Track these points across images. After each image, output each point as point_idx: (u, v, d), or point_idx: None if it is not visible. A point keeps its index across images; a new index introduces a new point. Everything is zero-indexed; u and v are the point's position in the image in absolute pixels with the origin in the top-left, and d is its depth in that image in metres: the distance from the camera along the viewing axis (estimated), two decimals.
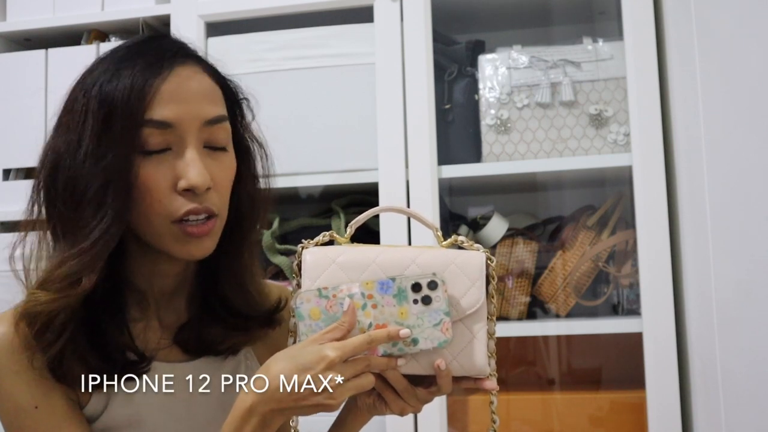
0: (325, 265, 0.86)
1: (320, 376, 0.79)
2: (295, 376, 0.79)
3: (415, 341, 0.83)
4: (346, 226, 1.70)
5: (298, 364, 0.80)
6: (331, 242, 0.91)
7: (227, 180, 0.92)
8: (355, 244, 0.91)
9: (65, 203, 0.87)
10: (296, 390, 0.79)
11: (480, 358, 0.87)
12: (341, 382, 0.80)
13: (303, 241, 0.90)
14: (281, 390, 0.80)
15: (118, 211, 0.85)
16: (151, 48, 0.91)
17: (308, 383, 0.79)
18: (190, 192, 0.87)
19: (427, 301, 0.84)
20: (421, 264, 0.86)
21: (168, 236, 0.88)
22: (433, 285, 0.84)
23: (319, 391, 0.79)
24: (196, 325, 0.98)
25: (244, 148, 0.98)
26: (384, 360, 0.83)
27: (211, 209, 0.89)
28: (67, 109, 0.90)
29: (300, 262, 0.88)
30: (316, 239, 0.90)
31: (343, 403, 0.97)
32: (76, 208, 0.86)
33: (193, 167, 0.86)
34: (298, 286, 0.89)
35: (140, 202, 0.87)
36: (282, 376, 0.80)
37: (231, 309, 0.99)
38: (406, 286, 0.84)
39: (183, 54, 0.92)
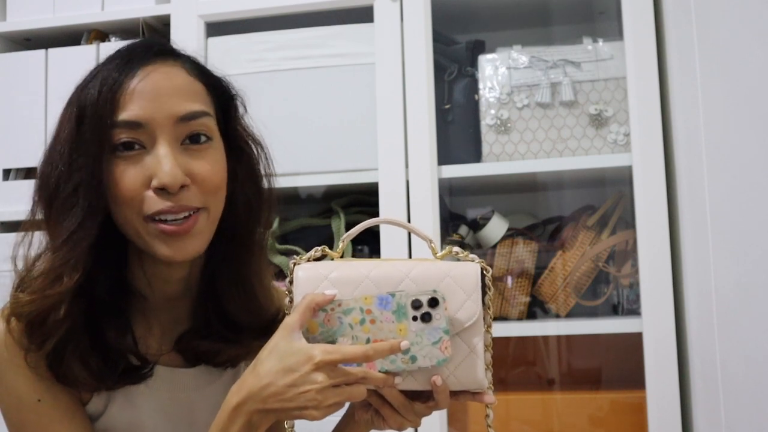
0: (318, 282, 0.84)
1: (306, 377, 0.78)
2: (281, 377, 0.78)
3: (413, 359, 0.82)
4: (346, 226, 1.71)
5: (284, 365, 0.79)
6: (324, 257, 0.90)
7: (213, 174, 0.89)
8: (348, 258, 0.90)
9: (44, 205, 0.88)
10: (281, 391, 0.78)
11: (478, 373, 0.85)
12: (328, 386, 0.78)
13: (295, 256, 0.89)
14: (267, 390, 0.79)
15: (88, 208, 0.84)
16: (126, 49, 0.90)
17: (293, 385, 0.78)
18: (164, 191, 0.85)
19: (426, 318, 0.82)
20: (414, 278, 0.84)
21: (145, 235, 0.87)
22: (433, 302, 0.82)
23: (303, 392, 0.78)
24: (193, 337, 0.97)
25: (237, 147, 0.96)
26: (381, 377, 0.81)
27: (189, 206, 0.87)
28: (57, 121, 0.91)
29: (293, 278, 0.87)
30: (308, 254, 0.89)
31: (343, 414, 0.96)
32: (50, 209, 0.87)
33: (164, 165, 0.85)
34: (291, 302, 0.88)
35: (115, 202, 0.86)
36: (268, 377, 0.79)
37: (229, 322, 0.97)
38: (405, 303, 0.82)
39: (155, 52, 0.90)
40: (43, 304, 0.84)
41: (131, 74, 0.86)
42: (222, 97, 0.95)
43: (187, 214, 0.87)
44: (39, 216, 0.89)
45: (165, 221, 0.86)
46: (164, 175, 0.84)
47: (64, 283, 0.84)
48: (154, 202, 0.85)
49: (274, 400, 0.79)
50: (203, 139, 0.89)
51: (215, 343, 0.97)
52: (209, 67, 0.96)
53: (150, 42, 0.92)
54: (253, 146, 0.98)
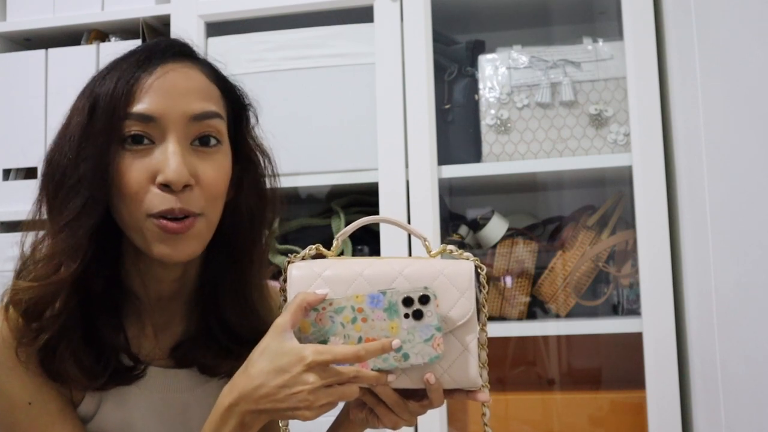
0: (311, 280, 0.84)
1: (297, 378, 0.78)
2: (272, 378, 0.78)
3: (405, 356, 0.82)
4: (346, 226, 1.71)
5: (275, 365, 0.79)
6: (319, 255, 0.90)
7: (217, 179, 0.89)
8: (342, 257, 0.90)
9: (49, 192, 0.87)
10: (273, 392, 0.78)
11: (472, 371, 0.85)
12: (320, 386, 0.78)
13: (289, 255, 0.89)
14: (258, 391, 0.79)
15: (89, 197, 0.84)
16: (146, 47, 0.91)
17: (285, 385, 0.78)
18: (168, 188, 0.85)
19: (418, 315, 0.82)
20: (408, 276, 0.84)
21: (146, 232, 0.86)
22: (424, 299, 0.82)
23: (295, 392, 0.77)
24: (192, 346, 0.96)
25: (245, 156, 0.96)
26: (374, 375, 0.81)
27: (189, 210, 0.86)
28: (69, 111, 0.90)
29: (286, 277, 0.87)
30: (302, 253, 0.89)
31: (338, 413, 0.96)
32: (55, 196, 0.86)
33: (171, 162, 0.84)
34: (285, 301, 0.87)
35: (119, 195, 0.86)
36: (259, 377, 0.79)
37: (230, 332, 0.97)
38: (396, 300, 0.82)
39: (176, 52, 0.91)
40: (41, 291, 0.84)
41: (149, 70, 0.87)
42: (235, 105, 0.96)
43: (184, 215, 0.86)
44: (44, 205, 0.89)
45: (165, 218, 0.85)
46: (170, 172, 0.84)
47: (62, 272, 0.84)
48: (158, 201, 0.85)
49: (266, 401, 0.79)
50: (213, 141, 0.89)
51: (215, 356, 0.96)
52: (226, 72, 0.96)
53: (171, 42, 0.93)
54: (260, 157, 0.98)
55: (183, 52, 0.92)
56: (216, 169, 0.89)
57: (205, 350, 0.96)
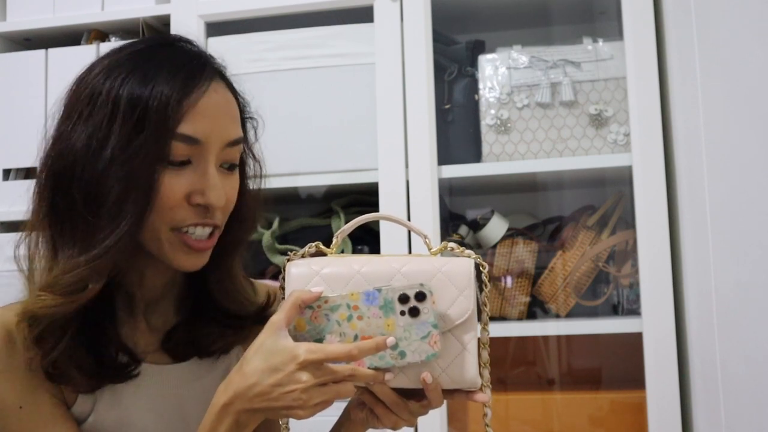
0: (309, 278, 0.84)
1: (290, 377, 0.78)
2: (266, 377, 0.78)
3: (402, 354, 0.81)
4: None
5: (269, 364, 0.79)
6: (319, 253, 0.90)
7: (234, 198, 0.93)
8: (342, 254, 0.90)
9: (82, 206, 0.84)
10: (267, 390, 0.78)
11: (471, 371, 0.83)
12: (313, 385, 0.78)
13: (289, 253, 0.89)
14: (253, 390, 0.79)
15: (136, 219, 0.83)
16: (185, 57, 0.89)
17: (278, 384, 0.78)
18: (201, 207, 0.87)
19: (414, 312, 0.81)
20: (406, 273, 0.83)
21: (165, 243, 0.87)
22: (420, 296, 0.81)
23: (288, 391, 0.78)
24: (186, 328, 0.97)
25: (242, 163, 0.97)
26: (371, 373, 0.81)
27: (216, 224, 0.89)
28: (84, 102, 0.87)
29: (285, 275, 0.86)
30: (302, 251, 0.89)
31: (340, 414, 0.96)
32: (92, 213, 0.84)
33: (214, 186, 0.87)
34: (284, 299, 0.87)
35: (152, 209, 0.85)
36: (254, 376, 0.79)
37: (223, 310, 0.98)
38: (392, 298, 0.81)
39: (214, 70, 0.91)
40: (64, 309, 0.83)
41: (200, 89, 0.86)
42: (242, 116, 0.97)
43: (211, 230, 0.90)
44: (60, 210, 0.86)
45: (187, 233, 0.87)
46: (214, 197, 0.87)
47: (89, 290, 0.84)
48: (188, 215, 0.87)
49: (260, 400, 0.79)
50: (236, 164, 0.93)
51: (214, 329, 0.97)
52: (236, 83, 0.96)
53: (207, 55, 0.92)
54: (252, 164, 1.00)
55: (217, 69, 0.92)
56: (234, 189, 0.92)
57: (202, 329, 0.97)
